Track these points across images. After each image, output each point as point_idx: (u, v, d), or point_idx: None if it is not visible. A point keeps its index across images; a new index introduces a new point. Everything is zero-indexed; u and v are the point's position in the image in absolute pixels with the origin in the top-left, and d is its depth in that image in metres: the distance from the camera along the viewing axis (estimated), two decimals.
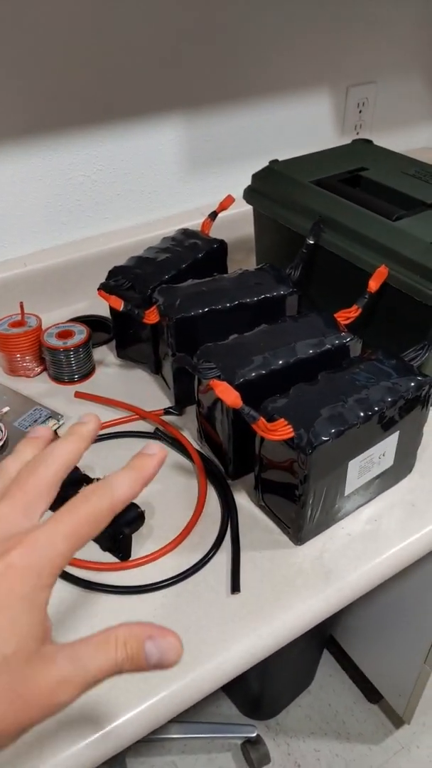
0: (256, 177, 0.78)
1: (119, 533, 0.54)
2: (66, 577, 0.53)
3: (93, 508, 0.29)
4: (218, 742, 1.17)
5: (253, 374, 0.56)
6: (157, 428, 0.68)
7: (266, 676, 1.09)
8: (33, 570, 0.26)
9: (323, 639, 1.15)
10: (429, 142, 1.19)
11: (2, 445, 0.65)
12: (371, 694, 1.22)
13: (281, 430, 0.50)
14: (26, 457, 0.34)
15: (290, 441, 0.50)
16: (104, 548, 0.56)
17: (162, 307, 0.66)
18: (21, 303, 0.76)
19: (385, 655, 1.10)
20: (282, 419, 0.50)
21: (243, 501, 0.61)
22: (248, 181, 0.81)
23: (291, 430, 0.50)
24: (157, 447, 0.32)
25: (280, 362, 0.57)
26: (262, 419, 0.49)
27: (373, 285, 0.62)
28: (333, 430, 0.50)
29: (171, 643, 0.28)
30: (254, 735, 1.12)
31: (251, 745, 1.13)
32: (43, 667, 0.25)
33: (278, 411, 0.51)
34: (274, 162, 0.78)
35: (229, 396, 0.48)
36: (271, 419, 0.51)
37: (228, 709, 1.20)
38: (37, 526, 0.28)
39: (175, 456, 0.66)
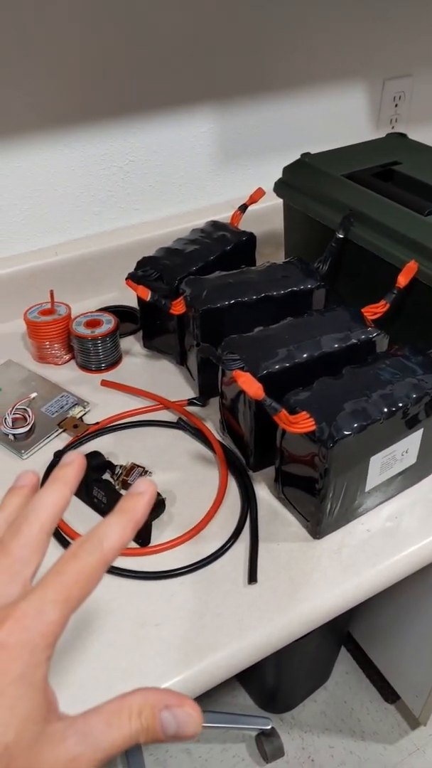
0: (287, 170, 0.78)
1: None
2: None
3: (83, 566, 0.27)
4: (233, 732, 1.18)
5: (277, 367, 0.56)
6: (180, 418, 0.68)
7: (283, 669, 1.10)
8: (25, 647, 0.24)
9: (341, 635, 1.14)
10: None
11: (29, 431, 0.67)
12: (388, 693, 1.21)
13: (303, 423, 0.50)
14: (12, 510, 0.31)
15: (311, 434, 0.50)
16: None
17: (188, 298, 0.67)
18: (51, 291, 0.77)
19: (404, 656, 1.09)
20: (304, 412, 0.50)
21: (263, 493, 0.61)
22: (279, 174, 0.80)
23: (313, 423, 0.50)
24: (146, 484, 0.30)
25: (305, 355, 0.57)
26: (284, 411, 0.50)
27: (402, 280, 0.62)
28: (355, 425, 0.49)
29: (189, 714, 0.26)
30: (269, 727, 1.13)
31: (266, 737, 1.13)
32: (51, 749, 0.24)
33: (301, 404, 0.51)
34: (305, 155, 0.77)
35: (252, 387, 0.49)
36: (293, 412, 0.51)
37: (244, 700, 1.21)
38: (25, 596, 0.26)
39: (197, 446, 0.66)
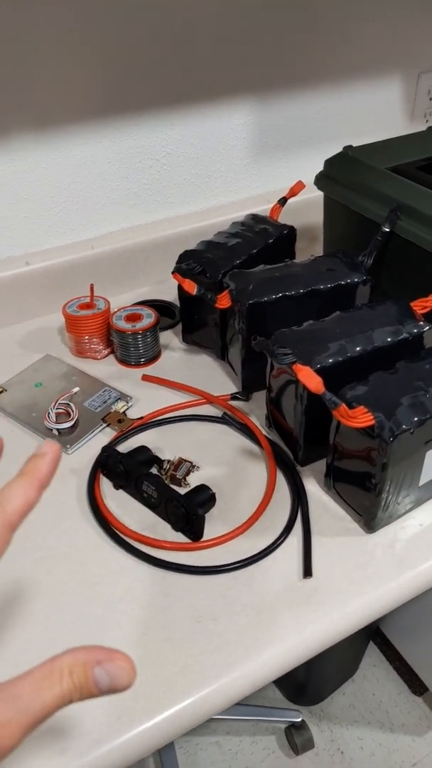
0: (329, 163, 0.77)
1: (193, 513, 0.55)
2: (139, 554, 0.54)
3: None
4: (263, 725, 1.19)
5: (330, 361, 0.56)
6: (225, 413, 0.68)
7: (312, 662, 1.10)
8: None
9: (370, 629, 1.14)
10: None
11: (73, 425, 0.67)
12: (416, 686, 1.21)
13: (361, 418, 0.49)
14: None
15: (370, 429, 0.49)
16: (177, 528, 0.57)
17: (234, 292, 0.66)
18: (91, 285, 0.77)
19: None
20: (362, 407, 0.50)
21: (311, 487, 0.61)
22: (314, 168, 0.80)
23: (371, 417, 0.49)
24: (49, 446, 0.30)
25: (358, 349, 0.57)
26: (344, 406, 0.49)
27: None
28: (415, 419, 0.49)
29: (121, 667, 0.27)
30: (299, 720, 1.13)
31: (296, 729, 1.14)
32: None
33: (358, 398, 0.51)
34: (348, 147, 0.76)
35: (312, 381, 0.48)
36: (350, 406, 0.50)
37: (273, 693, 1.22)
38: None
39: (242, 441, 0.66)
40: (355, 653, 1.19)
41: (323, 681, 1.18)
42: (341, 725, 1.18)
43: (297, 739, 1.13)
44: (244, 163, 0.92)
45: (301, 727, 1.14)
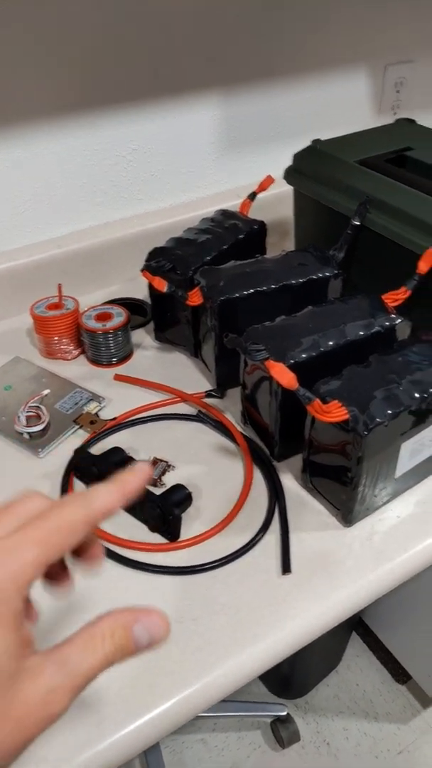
0: (298, 157, 0.77)
1: (169, 514, 0.54)
2: (116, 557, 0.54)
3: (68, 516, 0.27)
4: (248, 720, 1.19)
5: (304, 356, 0.56)
6: (199, 411, 0.68)
7: (296, 656, 1.10)
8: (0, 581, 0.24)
9: (353, 619, 1.15)
10: None
11: (44, 429, 0.65)
12: (399, 674, 1.23)
13: (336, 412, 0.49)
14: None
15: (345, 423, 0.49)
16: (153, 529, 0.56)
17: (205, 289, 0.66)
18: (59, 285, 0.76)
19: (415, 636, 1.10)
20: (336, 401, 0.50)
21: (289, 483, 0.60)
22: (283, 162, 0.79)
23: (345, 412, 0.49)
24: (144, 466, 0.32)
25: (330, 344, 0.57)
26: (318, 401, 0.49)
27: (423, 266, 0.61)
28: (389, 412, 0.49)
29: (156, 622, 0.28)
30: (284, 713, 1.14)
31: (281, 723, 1.14)
32: (30, 682, 0.24)
33: (331, 393, 0.51)
34: (316, 141, 0.76)
35: (285, 377, 0.48)
36: (324, 401, 0.50)
37: (257, 688, 1.22)
38: (7, 536, 0.26)
39: (218, 439, 0.66)
40: (338, 644, 1.20)
41: (307, 673, 1.19)
42: (326, 717, 1.19)
43: (283, 732, 1.14)
44: (212, 158, 0.92)
45: (286, 720, 1.14)
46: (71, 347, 0.76)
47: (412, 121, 0.83)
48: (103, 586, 0.52)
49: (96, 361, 0.75)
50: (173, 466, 0.62)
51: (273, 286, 0.65)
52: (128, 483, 0.30)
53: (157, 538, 0.56)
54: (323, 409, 0.49)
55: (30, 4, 0.68)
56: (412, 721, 1.18)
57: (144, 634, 0.28)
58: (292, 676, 1.17)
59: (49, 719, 0.24)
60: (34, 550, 0.26)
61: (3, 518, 0.27)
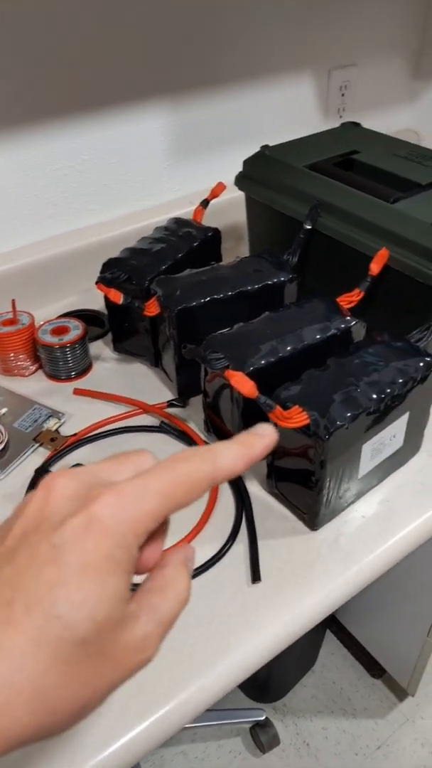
0: (247, 163, 0.77)
1: None
2: None
3: (192, 470, 0.26)
4: (227, 728, 1.18)
5: (263, 362, 0.56)
6: (162, 421, 0.67)
7: (272, 659, 1.10)
8: (117, 526, 0.24)
9: (326, 618, 1.16)
10: (410, 124, 1.20)
11: (3, 449, 0.64)
12: (374, 669, 1.24)
13: (296, 418, 0.49)
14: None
15: (306, 428, 0.49)
16: None
17: (162, 299, 0.65)
18: (13, 300, 0.74)
19: (388, 630, 1.12)
20: (296, 406, 0.50)
21: (255, 489, 0.60)
22: (234, 167, 0.80)
23: (306, 417, 0.49)
24: (269, 429, 0.29)
25: (288, 349, 0.57)
26: (279, 407, 0.49)
27: (375, 268, 0.62)
28: (348, 414, 0.50)
29: (192, 551, 0.29)
30: (263, 718, 1.14)
31: (260, 728, 1.14)
32: (130, 628, 0.24)
33: (292, 398, 0.51)
34: (265, 147, 0.77)
35: (245, 386, 0.48)
36: (285, 407, 0.50)
37: (234, 694, 1.21)
38: (129, 481, 0.25)
39: (182, 448, 0.65)
40: (312, 644, 1.21)
41: (283, 676, 1.19)
42: (305, 717, 1.20)
43: (262, 737, 1.14)
44: (163, 166, 0.91)
45: (265, 725, 1.14)
46: (28, 363, 0.74)
47: (357, 125, 0.84)
48: None
49: (54, 376, 0.74)
50: None
51: (229, 293, 0.65)
52: (255, 447, 0.28)
53: (237, 475, 0.55)
54: (284, 415, 0.49)
55: None
56: (389, 715, 1.20)
57: (192, 566, 0.28)
58: (269, 680, 1.17)
59: (141, 664, 0.25)
60: (155, 500, 0.25)
61: (121, 465, 0.27)
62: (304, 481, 0.54)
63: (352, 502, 0.59)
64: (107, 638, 0.23)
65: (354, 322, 0.61)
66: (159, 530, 0.27)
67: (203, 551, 0.55)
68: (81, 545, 0.23)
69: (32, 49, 0.73)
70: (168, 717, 0.45)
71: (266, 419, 0.54)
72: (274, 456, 0.56)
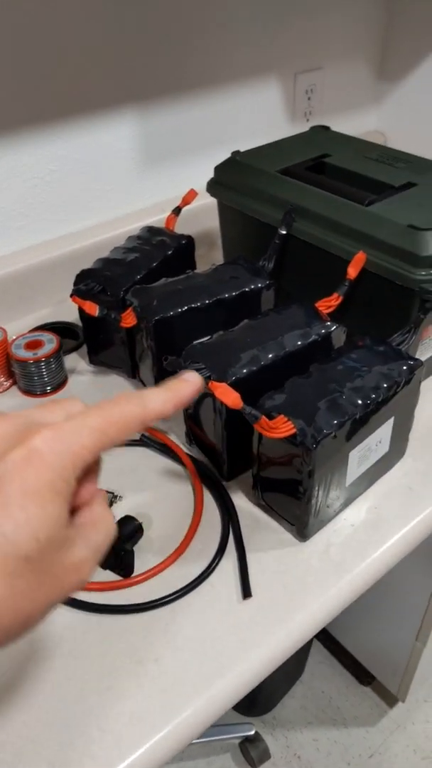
0: (219, 169, 0.76)
1: (121, 549, 0.51)
2: (68, 601, 0.50)
3: (124, 411, 0.28)
4: (216, 744, 1.16)
5: (245, 371, 0.54)
6: (143, 434, 0.65)
7: None
8: (57, 457, 0.25)
9: None
10: (377, 126, 1.21)
11: None
12: (363, 676, 1.23)
13: (282, 427, 0.48)
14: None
15: (293, 437, 0.48)
16: (105, 567, 0.53)
17: (138, 309, 0.64)
18: None
19: (376, 636, 1.11)
20: (281, 416, 0.49)
21: (241, 502, 0.59)
22: (205, 173, 0.79)
23: (292, 426, 0.48)
24: (194, 375, 0.32)
25: (270, 357, 0.56)
26: (264, 418, 0.48)
27: (352, 272, 0.62)
28: (335, 422, 0.49)
29: None
30: (252, 733, 1.12)
31: (250, 743, 1.12)
32: (69, 550, 0.26)
33: (276, 407, 0.50)
34: (236, 153, 0.76)
35: (230, 397, 0.47)
36: (270, 417, 0.49)
37: None
38: (65, 419, 0.27)
39: (164, 462, 0.63)
40: (300, 655, 1.19)
41: (272, 688, 1.17)
42: (295, 729, 1.18)
43: (252, 752, 1.11)
44: (134, 174, 0.90)
45: (255, 739, 1.12)
46: (1, 379, 0.72)
47: (326, 128, 0.84)
48: (58, 634, 0.48)
49: (29, 392, 0.71)
50: (120, 497, 0.59)
51: (207, 302, 0.64)
52: (181, 391, 0.31)
53: (110, 575, 0.53)
54: (270, 426, 0.48)
55: None
56: (379, 722, 1.19)
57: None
58: (257, 693, 1.15)
59: (78, 584, 0.27)
60: (91, 435, 0.26)
61: (52, 410, 0.28)
62: (291, 492, 0.53)
63: (340, 511, 0.57)
64: (49, 557, 0.25)
65: (334, 327, 0.60)
66: (93, 469, 0.29)
67: (190, 569, 0.53)
68: (22, 474, 0.25)
69: (1, 55, 0.71)
70: (162, 744, 0.43)
71: (251, 429, 0.53)
72: (260, 467, 0.55)
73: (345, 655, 1.24)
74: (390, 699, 1.21)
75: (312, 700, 1.22)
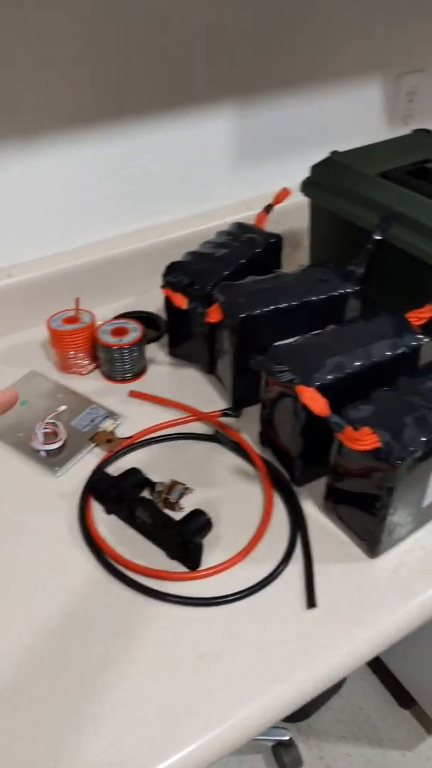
0: (315, 168, 0.75)
1: (189, 542, 0.52)
2: (133, 585, 0.51)
3: None
4: (249, 743, 1.16)
5: (329, 377, 0.54)
6: (216, 431, 0.65)
7: None
8: None
9: None
10: None
11: (62, 446, 0.63)
12: (404, 699, 1.20)
13: (366, 440, 0.47)
14: None
15: (376, 451, 0.47)
16: (172, 557, 0.54)
17: (225, 306, 0.64)
18: (77, 299, 0.73)
19: (420, 660, 1.08)
20: (366, 428, 0.48)
21: (310, 509, 0.58)
22: (295, 173, 0.78)
23: (377, 439, 0.47)
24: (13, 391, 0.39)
25: (356, 365, 0.55)
26: (349, 428, 0.47)
27: None
28: (422, 439, 0.47)
29: None
30: (287, 738, 1.11)
31: (284, 747, 1.11)
32: None
33: (362, 419, 0.49)
34: (334, 152, 0.75)
35: (317, 403, 0.46)
36: (355, 428, 0.48)
37: None
38: None
39: (235, 460, 0.63)
40: None
41: None
42: (329, 742, 1.16)
43: (285, 757, 1.11)
44: (226, 169, 0.90)
45: (289, 745, 1.12)
46: (86, 362, 0.74)
47: (429, 132, 0.81)
48: (122, 617, 0.49)
49: (110, 377, 0.73)
50: (191, 489, 0.60)
51: (293, 303, 0.63)
52: None
53: (177, 566, 0.53)
54: (354, 437, 0.47)
55: (46, 19, 0.67)
56: (417, 748, 1.15)
57: None
58: None
59: None
60: None
61: None
62: (366, 506, 0.51)
63: (413, 531, 0.56)
64: None
65: (426, 340, 0.58)
66: None
67: (255, 570, 0.53)
68: None
69: (104, 50, 0.72)
70: (219, 740, 0.43)
71: (328, 437, 0.53)
72: (336, 477, 0.54)
73: (388, 675, 1.21)
74: (430, 725, 1.17)
75: (349, 715, 1.20)
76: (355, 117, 0.99)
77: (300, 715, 1.18)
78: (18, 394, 0.38)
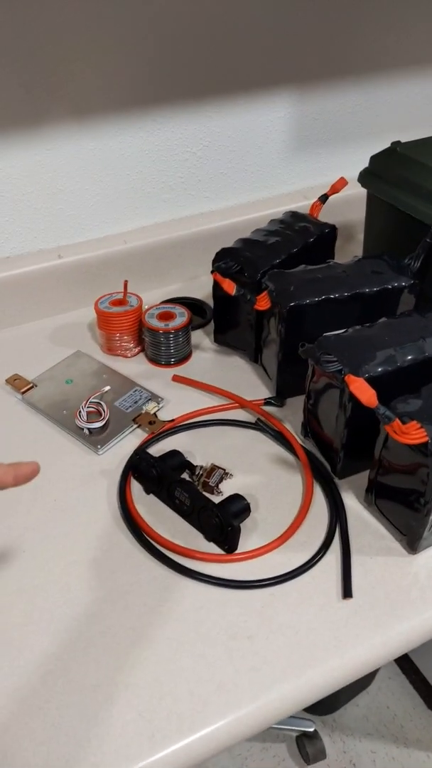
0: (375, 159, 0.74)
1: (228, 524, 0.52)
2: (173, 565, 0.52)
3: None
4: (273, 732, 1.17)
5: (379, 369, 0.53)
6: (258, 419, 0.66)
7: None
8: None
9: None
10: None
11: (104, 425, 0.64)
12: None
13: (414, 434, 0.47)
14: None
15: (423, 446, 0.47)
16: (209, 539, 0.54)
17: (274, 294, 0.64)
18: (125, 282, 0.75)
19: None
20: (414, 422, 0.47)
21: (350, 502, 0.58)
22: (351, 164, 0.76)
23: (425, 434, 0.46)
24: (35, 464, 0.42)
25: (408, 359, 0.54)
26: (397, 421, 0.46)
27: None
28: None
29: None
30: (312, 729, 1.11)
31: (308, 739, 1.12)
32: None
33: (410, 413, 0.48)
34: (396, 143, 0.73)
35: (366, 394, 0.46)
36: (403, 421, 0.48)
37: None
38: None
39: (276, 449, 0.64)
40: None
41: (338, 691, 1.15)
42: (354, 737, 1.16)
43: (309, 749, 1.11)
44: (281, 157, 0.89)
45: (313, 737, 1.12)
46: (132, 345, 0.75)
47: None
48: (158, 594, 0.50)
49: (155, 361, 0.74)
50: (231, 474, 0.60)
51: (345, 294, 0.63)
52: (21, 468, 0.40)
53: (214, 548, 0.54)
54: (402, 430, 0.47)
55: (108, 4, 0.67)
56: None
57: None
58: None
59: None
60: None
61: None
62: (409, 501, 0.51)
63: None
64: None
65: None
66: None
67: (292, 557, 0.53)
68: None
69: (164, 34, 0.72)
70: (244, 720, 0.44)
71: (373, 430, 0.52)
72: (379, 471, 0.54)
73: (417, 676, 1.20)
74: None
75: (375, 712, 1.20)
76: (414, 108, 0.97)
77: (326, 708, 1.18)
78: (38, 468, 0.41)
